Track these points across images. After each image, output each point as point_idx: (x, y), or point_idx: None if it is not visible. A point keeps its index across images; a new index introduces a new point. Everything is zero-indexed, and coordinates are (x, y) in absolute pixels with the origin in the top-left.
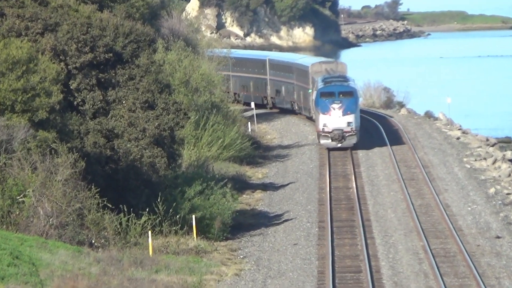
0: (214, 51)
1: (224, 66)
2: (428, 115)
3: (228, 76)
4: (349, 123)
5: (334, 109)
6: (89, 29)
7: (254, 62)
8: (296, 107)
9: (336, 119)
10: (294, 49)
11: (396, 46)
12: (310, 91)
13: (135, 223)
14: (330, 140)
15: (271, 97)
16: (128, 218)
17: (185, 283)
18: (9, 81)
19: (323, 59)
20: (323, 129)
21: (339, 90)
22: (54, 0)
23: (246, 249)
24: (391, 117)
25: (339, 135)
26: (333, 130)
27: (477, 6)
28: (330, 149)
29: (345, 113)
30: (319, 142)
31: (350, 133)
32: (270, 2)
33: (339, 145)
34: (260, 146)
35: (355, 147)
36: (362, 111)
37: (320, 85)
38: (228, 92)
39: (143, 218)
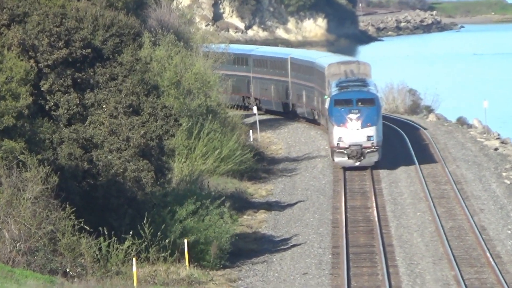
0: (210, 47)
1: (244, 66)
2: (461, 121)
3: (249, 78)
4: (369, 137)
5: (351, 120)
6: (64, 20)
7: (274, 61)
8: (317, 116)
9: (353, 132)
10: (304, 44)
11: (424, 40)
12: (326, 97)
13: (117, 248)
14: (346, 158)
15: (292, 104)
16: (109, 243)
17: None
18: None
19: (342, 58)
20: (338, 144)
21: (357, 97)
22: None
23: (247, 279)
24: (417, 124)
25: (357, 152)
26: (350, 146)
27: None
28: (346, 169)
29: (364, 125)
30: (333, 159)
31: (371, 149)
32: None
33: (357, 163)
34: (263, 159)
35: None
36: (383, 117)
37: (334, 90)
38: (248, 97)
39: (126, 242)
